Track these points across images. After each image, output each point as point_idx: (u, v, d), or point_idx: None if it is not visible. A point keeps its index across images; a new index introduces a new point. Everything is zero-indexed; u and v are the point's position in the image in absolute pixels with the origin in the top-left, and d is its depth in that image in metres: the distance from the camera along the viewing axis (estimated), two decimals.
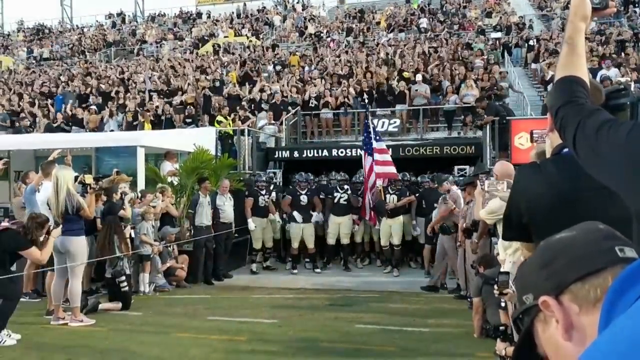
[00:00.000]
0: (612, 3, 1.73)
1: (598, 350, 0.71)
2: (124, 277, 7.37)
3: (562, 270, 0.89)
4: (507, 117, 11.55)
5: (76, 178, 6.79)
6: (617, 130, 1.37)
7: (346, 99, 15.09)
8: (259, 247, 10.50)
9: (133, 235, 8.23)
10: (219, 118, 13.69)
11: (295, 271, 10.28)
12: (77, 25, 35.74)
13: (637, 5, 21.76)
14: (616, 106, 2.08)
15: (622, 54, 15.82)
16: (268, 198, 10.42)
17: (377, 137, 10.88)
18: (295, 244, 10.39)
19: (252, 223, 10.25)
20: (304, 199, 10.34)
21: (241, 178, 11.28)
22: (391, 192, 10.08)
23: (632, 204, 1.35)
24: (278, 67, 19.03)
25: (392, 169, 10.56)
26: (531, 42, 19.00)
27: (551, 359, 0.90)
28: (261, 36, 26.98)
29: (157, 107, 15.55)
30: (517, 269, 1.06)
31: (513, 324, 1.00)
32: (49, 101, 18.34)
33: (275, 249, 11.14)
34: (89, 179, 6.86)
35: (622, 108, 2.10)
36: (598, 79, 13.13)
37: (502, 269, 4.50)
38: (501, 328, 4.27)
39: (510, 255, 4.57)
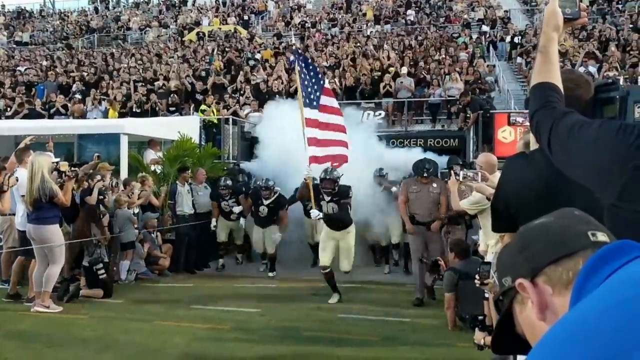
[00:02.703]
0: (584, 14, 1.80)
1: (551, 332, 0.77)
2: (101, 265, 7.33)
3: (538, 254, 0.94)
4: (491, 111, 11.68)
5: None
6: (587, 129, 1.45)
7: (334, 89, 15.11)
8: (222, 240, 9.85)
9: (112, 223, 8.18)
10: (203, 107, 13.61)
11: (271, 274, 9.16)
12: (59, 10, 35.15)
13: (619, 2, 21.97)
14: (606, 99, 2.13)
15: (606, 50, 16.01)
16: (233, 202, 9.66)
17: (320, 81, 8.30)
18: (258, 249, 9.58)
19: (214, 221, 9.69)
20: (263, 209, 9.16)
21: (225, 168, 11.25)
22: (326, 198, 7.36)
23: (602, 198, 1.43)
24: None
25: (344, 150, 8.26)
26: (516, 39, 19.13)
27: (528, 338, 0.96)
28: (249, 24, 26.83)
29: (142, 94, 15.42)
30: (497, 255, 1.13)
31: (494, 305, 1.05)
32: (32, 91, 18.09)
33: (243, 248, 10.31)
34: (64, 166, 6.77)
35: (611, 101, 2.15)
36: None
37: (486, 259, 4.57)
38: (480, 318, 4.34)
39: (492, 246, 4.63)
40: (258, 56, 19.45)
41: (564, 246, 0.92)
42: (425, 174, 7.23)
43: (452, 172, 5.00)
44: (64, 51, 24.23)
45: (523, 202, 2.23)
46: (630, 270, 0.81)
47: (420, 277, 7.15)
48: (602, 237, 0.93)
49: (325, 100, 8.19)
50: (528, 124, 2.05)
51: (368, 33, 22.07)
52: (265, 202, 9.09)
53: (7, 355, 5.16)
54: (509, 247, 1.02)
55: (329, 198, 7.36)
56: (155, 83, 16.59)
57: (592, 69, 14.12)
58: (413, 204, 7.28)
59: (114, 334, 5.75)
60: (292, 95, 15.21)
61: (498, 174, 3.75)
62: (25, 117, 14.49)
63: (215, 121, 12.68)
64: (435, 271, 6.61)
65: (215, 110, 13.55)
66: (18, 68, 21.30)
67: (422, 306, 7.01)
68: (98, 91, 16.67)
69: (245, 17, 27.91)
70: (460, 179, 4.49)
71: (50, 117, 15.22)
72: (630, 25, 18.65)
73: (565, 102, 1.69)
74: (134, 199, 8.75)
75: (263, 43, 22.08)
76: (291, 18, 26.43)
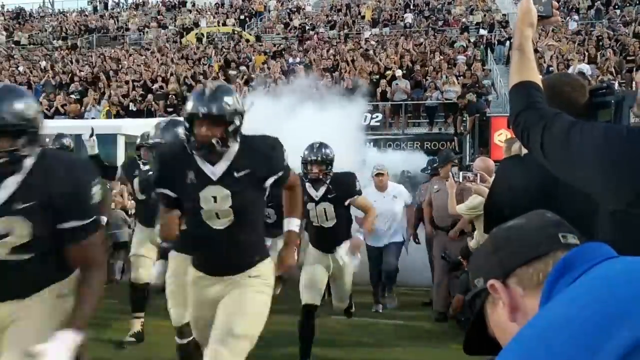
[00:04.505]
0: (556, 12, 1.82)
1: (521, 333, 0.79)
2: None
3: (510, 255, 0.95)
4: (487, 115, 11.75)
5: None
6: (591, 131, 1.39)
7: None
8: None
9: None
10: None
11: None
12: (58, 10, 35.14)
13: (617, 7, 22.02)
14: (601, 104, 2.12)
15: (602, 55, 16.07)
16: None
17: None
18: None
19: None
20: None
21: None
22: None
23: (610, 204, 1.38)
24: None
25: None
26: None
27: (499, 339, 0.97)
28: (246, 26, 26.87)
29: (141, 95, 15.46)
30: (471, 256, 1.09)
31: (467, 306, 1.06)
32: (30, 91, 18.14)
33: None
34: None
35: (607, 106, 2.14)
36: (572, 71, 13.35)
37: None
38: None
39: None
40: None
41: (535, 248, 0.94)
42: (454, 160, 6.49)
43: (450, 173, 4.96)
44: (65, 51, 24.24)
45: (516, 204, 2.21)
46: (598, 272, 0.83)
47: (444, 288, 6.34)
48: (572, 239, 0.95)
49: None
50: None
51: (367, 35, 22.14)
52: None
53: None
54: (482, 249, 1.03)
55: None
56: (154, 86, 16.63)
57: (586, 66, 14.18)
58: (434, 207, 6.45)
59: (109, 333, 5.76)
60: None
61: None
62: None
63: None
64: (456, 270, 6.34)
65: None
66: (19, 68, 21.33)
67: (445, 321, 6.23)
68: (96, 92, 16.71)
69: (243, 17, 27.93)
70: (460, 180, 4.41)
71: (51, 117, 15.26)
72: (627, 29, 18.71)
73: (560, 106, 1.66)
74: (122, 200, 8.73)
75: (262, 45, 22.13)
76: (290, 20, 26.49)
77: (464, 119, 12.74)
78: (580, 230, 1.23)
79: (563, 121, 1.47)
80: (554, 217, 1.00)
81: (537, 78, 1.68)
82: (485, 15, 23.52)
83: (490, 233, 1.04)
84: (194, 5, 31.66)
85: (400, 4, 26.64)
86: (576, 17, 21.51)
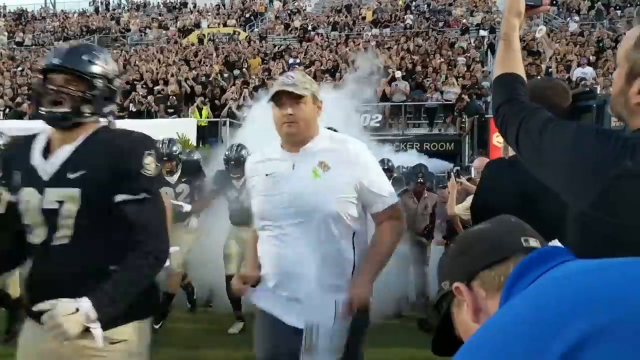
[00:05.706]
0: (546, 1, 1.78)
1: (474, 335, 0.81)
2: None
3: (474, 259, 0.98)
4: (486, 116, 11.78)
5: None
6: (562, 130, 1.36)
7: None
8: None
9: None
10: (194, 109, 13.74)
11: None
12: (60, 11, 35.21)
13: (618, 8, 22.01)
14: (584, 108, 2.14)
15: (602, 56, 16.07)
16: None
17: None
18: None
19: None
20: None
21: None
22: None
23: (575, 205, 1.35)
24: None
25: None
26: None
27: (464, 340, 0.98)
28: (248, 27, 26.91)
29: (142, 96, 15.50)
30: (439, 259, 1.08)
31: (434, 308, 1.09)
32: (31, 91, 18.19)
33: None
34: None
35: (589, 110, 2.15)
36: (575, 76, 13.38)
37: None
38: None
39: None
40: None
41: (497, 251, 0.96)
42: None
43: (452, 174, 5.00)
44: None
45: (500, 206, 2.21)
46: (551, 275, 0.85)
47: None
48: (534, 242, 0.97)
49: None
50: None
51: (368, 37, 22.16)
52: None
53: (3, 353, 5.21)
54: (449, 253, 1.06)
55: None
56: (155, 88, 16.66)
57: (589, 69, 14.18)
58: None
59: None
60: None
61: None
62: (31, 118, 14.60)
63: (204, 123, 12.77)
64: None
65: (205, 113, 13.64)
66: (19, 69, 21.39)
67: None
68: None
69: (247, 17, 27.96)
70: (472, 176, 4.43)
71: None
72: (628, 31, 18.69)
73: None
74: None
75: (263, 46, 22.16)
76: (291, 21, 26.52)
77: (464, 120, 12.77)
78: (561, 232, 1.24)
79: (540, 117, 1.44)
80: (517, 222, 1.03)
81: (522, 70, 1.65)
82: (485, 17, 23.53)
83: (456, 237, 1.07)
84: (195, 6, 31.72)
85: (400, 5, 26.66)
86: (577, 18, 21.50)
